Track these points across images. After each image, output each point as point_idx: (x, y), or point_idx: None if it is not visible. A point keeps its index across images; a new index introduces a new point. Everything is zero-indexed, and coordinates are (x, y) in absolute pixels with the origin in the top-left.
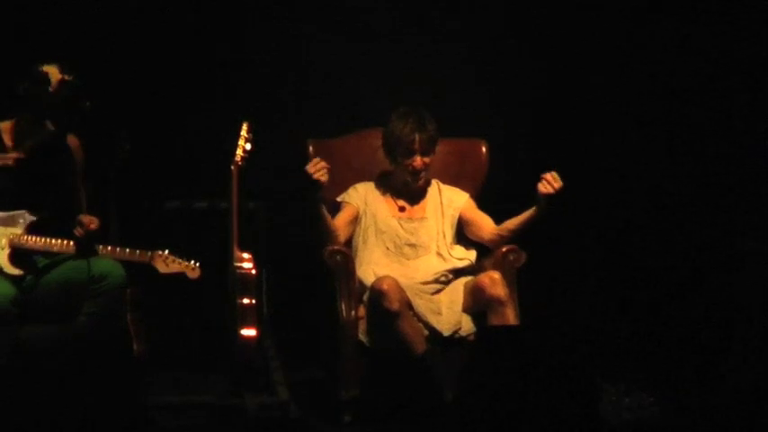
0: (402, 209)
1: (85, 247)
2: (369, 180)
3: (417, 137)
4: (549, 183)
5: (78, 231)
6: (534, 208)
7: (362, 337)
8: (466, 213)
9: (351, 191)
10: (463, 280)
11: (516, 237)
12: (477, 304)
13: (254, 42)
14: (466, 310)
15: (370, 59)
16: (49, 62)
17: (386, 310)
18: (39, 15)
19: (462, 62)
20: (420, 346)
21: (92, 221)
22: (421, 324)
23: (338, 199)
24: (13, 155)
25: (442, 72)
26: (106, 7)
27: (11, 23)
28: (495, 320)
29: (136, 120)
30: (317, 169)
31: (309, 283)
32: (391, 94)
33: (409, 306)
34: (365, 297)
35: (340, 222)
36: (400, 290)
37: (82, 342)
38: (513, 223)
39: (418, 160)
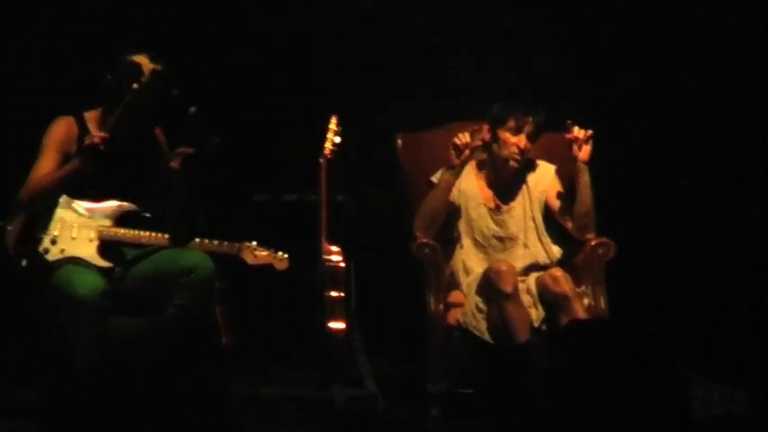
0: (492, 200)
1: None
2: None
3: (531, 118)
4: (578, 139)
5: (175, 163)
6: (578, 175)
7: (461, 318)
8: (549, 201)
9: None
10: (535, 275)
11: (583, 212)
12: (545, 300)
13: (343, 36)
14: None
15: (459, 53)
16: (138, 52)
17: (499, 290)
18: (123, 5)
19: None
20: (524, 335)
21: (185, 151)
22: (527, 312)
23: (432, 179)
24: (102, 134)
25: (534, 66)
26: (194, 3)
27: (95, 12)
28: (563, 317)
29: (226, 113)
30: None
31: (397, 276)
32: (481, 89)
33: None
34: (464, 284)
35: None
36: (515, 274)
37: (171, 334)
38: (576, 203)
39: (523, 141)
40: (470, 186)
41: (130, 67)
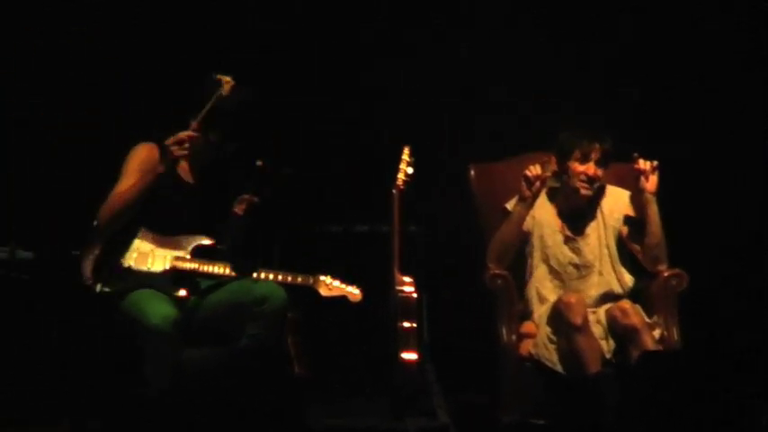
0: (566, 228)
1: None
2: None
3: (597, 145)
4: (645, 172)
5: (239, 209)
6: (647, 206)
7: (533, 350)
8: (623, 229)
9: (514, 200)
10: (606, 306)
11: (654, 244)
12: (616, 332)
13: (416, 67)
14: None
15: (531, 84)
16: (224, 73)
17: (569, 322)
18: (200, 35)
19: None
20: (595, 366)
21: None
22: (598, 344)
23: (507, 206)
24: (188, 132)
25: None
26: (270, 33)
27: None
28: (633, 349)
29: (298, 143)
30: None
31: (470, 307)
32: (553, 119)
33: None
34: (536, 314)
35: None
36: (584, 306)
37: (244, 364)
38: (646, 236)
39: (592, 168)
40: (545, 214)
41: (214, 81)
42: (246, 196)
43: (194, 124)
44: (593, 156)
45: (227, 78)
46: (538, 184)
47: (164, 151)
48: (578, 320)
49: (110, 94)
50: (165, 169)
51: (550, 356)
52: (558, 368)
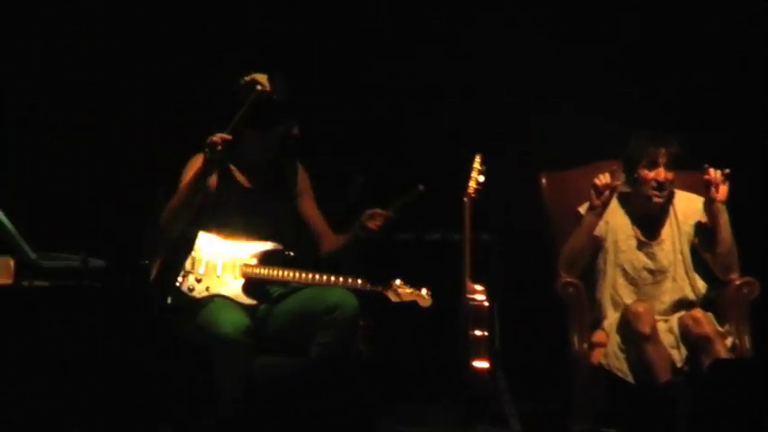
0: (640, 233)
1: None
2: None
3: (663, 150)
4: (716, 181)
5: (374, 224)
6: (718, 215)
7: (603, 360)
8: (696, 236)
9: None
10: (679, 315)
11: (725, 253)
12: (688, 341)
13: (487, 74)
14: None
15: (604, 91)
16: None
17: (637, 331)
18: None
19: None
20: (665, 375)
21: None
22: (669, 352)
23: (579, 209)
24: (222, 134)
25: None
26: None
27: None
28: (704, 358)
29: (370, 151)
30: None
31: (541, 315)
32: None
33: None
34: (606, 323)
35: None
36: (653, 314)
37: (315, 372)
38: (717, 244)
39: (662, 173)
40: (618, 220)
41: (246, 84)
42: (380, 211)
43: (232, 124)
44: (661, 160)
45: (259, 75)
46: (607, 193)
47: (217, 173)
48: (647, 330)
49: (171, 108)
50: (205, 170)
51: (621, 366)
52: (630, 378)
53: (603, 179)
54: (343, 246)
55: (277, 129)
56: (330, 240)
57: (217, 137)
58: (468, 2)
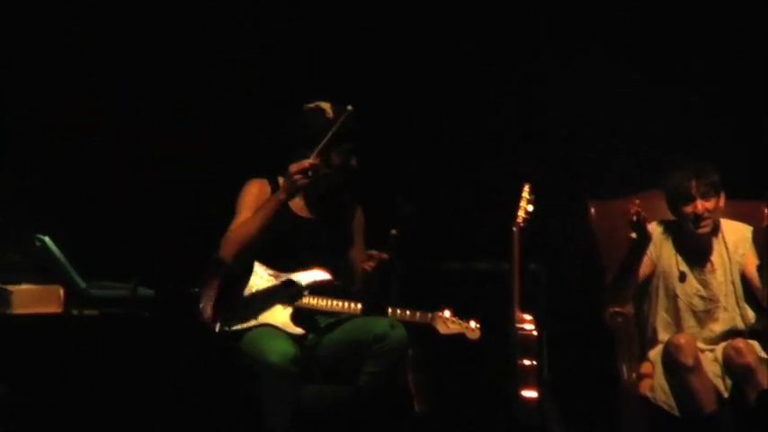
0: (691, 262)
1: (372, 305)
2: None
3: (694, 182)
4: None
5: (369, 265)
6: None
7: (649, 394)
8: (746, 265)
9: None
10: (724, 344)
11: None
12: (732, 371)
13: (535, 104)
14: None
15: (649, 121)
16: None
17: (680, 363)
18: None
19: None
20: (710, 406)
21: (380, 256)
22: (713, 383)
23: (632, 235)
24: (311, 160)
25: (726, 133)
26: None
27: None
28: (748, 388)
29: (420, 181)
30: None
31: (589, 344)
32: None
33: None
34: (652, 353)
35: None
36: (695, 345)
37: (363, 402)
38: None
39: (699, 205)
40: (668, 248)
41: (310, 111)
42: (374, 253)
43: (314, 155)
44: (695, 193)
45: (325, 104)
46: (645, 224)
47: (276, 185)
48: (690, 361)
49: (221, 135)
50: (288, 197)
51: (667, 399)
52: (675, 411)
53: (635, 211)
54: (360, 288)
55: (335, 159)
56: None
57: (306, 163)
58: (515, 39)
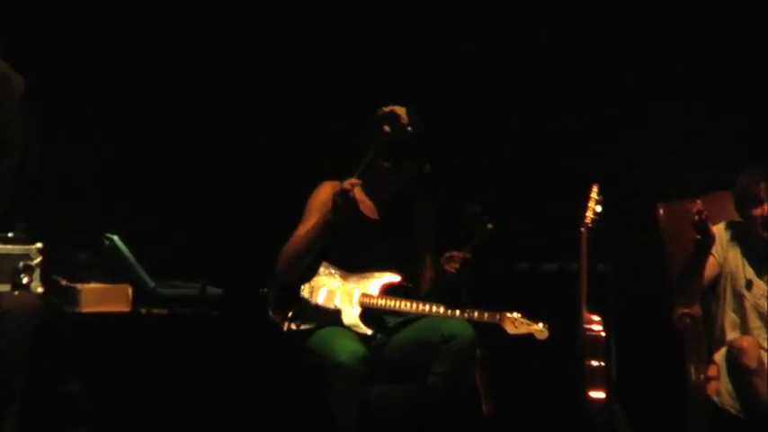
0: (759, 262)
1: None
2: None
3: (764, 184)
4: None
5: (452, 267)
6: None
7: (716, 397)
8: None
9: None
10: None
11: None
12: None
13: (605, 104)
14: None
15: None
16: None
17: (742, 366)
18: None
19: None
20: None
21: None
22: None
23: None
24: (352, 180)
25: None
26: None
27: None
28: None
29: (487, 181)
30: None
31: (657, 346)
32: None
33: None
34: (717, 356)
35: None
36: (758, 347)
37: (431, 402)
38: None
39: (767, 208)
40: (735, 248)
41: (385, 115)
42: (456, 254)
43: (356, 175)
44: (764, 196)
45: (402, 110)
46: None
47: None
48: (753, 364)
49: (298, 134)
50: (333, 214)
51: (733, 403)
52: (741, 415)
53: (697, 214)
54: (431, 290)
55: (408, 165)
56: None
57: (347, 183)
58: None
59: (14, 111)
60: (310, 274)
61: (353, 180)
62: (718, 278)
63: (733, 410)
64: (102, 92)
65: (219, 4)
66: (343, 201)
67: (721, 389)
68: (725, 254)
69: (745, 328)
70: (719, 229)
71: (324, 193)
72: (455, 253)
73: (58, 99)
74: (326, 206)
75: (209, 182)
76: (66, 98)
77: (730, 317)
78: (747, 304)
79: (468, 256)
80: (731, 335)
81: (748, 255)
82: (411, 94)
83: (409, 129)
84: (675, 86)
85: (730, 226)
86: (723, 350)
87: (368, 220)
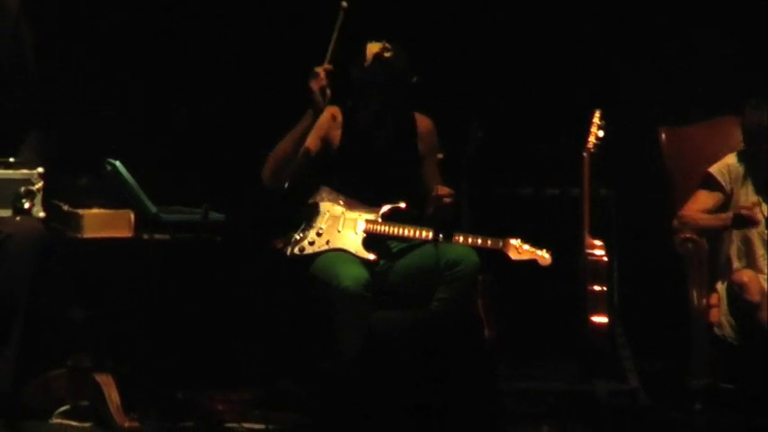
0: (763, 195)
1: (440, 228)
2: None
3: None
4: None
5: (446, 201)
6: None
7: (716, 328)
8: None
9: (722, 168)
10: None
11: None
12: None
13: (604, 30)
14: None
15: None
16: (375, 41)
17: (746, 301)
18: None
19: None
20: None
21: (448, 194)
22: None
23: (711, 170)
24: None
25: None
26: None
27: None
28: None
29: (490, 106)
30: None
31: (659, 271)
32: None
33: None
34: (719, 286)
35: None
36: (759, 280)
37: (434, 328)
38: None
39: None
40: (743, 180)
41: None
42: (436, 195)
43: (326, 62)
44: None
45: (376, 47)
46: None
47: (347, 125)
48: (756, 298)
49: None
50: (316, 113)
51: (735, 337)
52: (738, 344)
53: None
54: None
55: (396, 86)
56: None
57: (319, 69)
58: None
59: (10, 27)
60: (309, 193)
61: (325, 66)
62: (725, 207)
63: (735, 342)
64: (102, 12)
65: None
66: (315, 83)
67: (722, 320)
68: (736, 186)
69: (750, 256)
70: (732, 161)
71: (325, 114)
72: (444, 189)
73: (58, 22)
74: (326, 127)
75: (212, 107)
76: (65, 20)
77: (736, 245)
78: (753, 233)
79: (448, 200)
80: (736, 264)
81: (756, 183)
82: (417, 19)
83: (386, 54)
84: (678, 11)
85: (742, 158)
86: (726, 283)
87: (368, 145)
